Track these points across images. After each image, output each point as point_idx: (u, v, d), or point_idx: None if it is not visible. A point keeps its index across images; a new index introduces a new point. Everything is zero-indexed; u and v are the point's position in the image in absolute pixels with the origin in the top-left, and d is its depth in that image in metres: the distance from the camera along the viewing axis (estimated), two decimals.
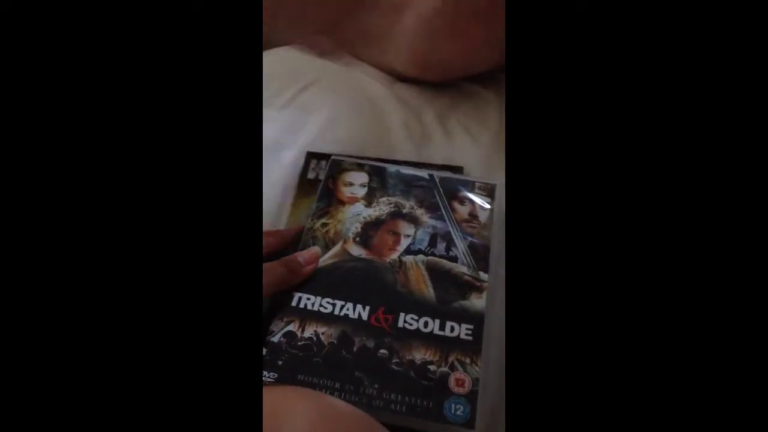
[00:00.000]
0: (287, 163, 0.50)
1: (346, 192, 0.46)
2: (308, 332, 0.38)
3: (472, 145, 0.53)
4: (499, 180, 0.47)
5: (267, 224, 0.46)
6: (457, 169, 0.50)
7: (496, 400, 0.37)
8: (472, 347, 0.37)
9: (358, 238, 0.43)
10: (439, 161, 0.51)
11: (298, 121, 0.54)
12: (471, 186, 0.46)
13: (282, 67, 0.60)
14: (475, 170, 0.50)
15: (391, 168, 0.47)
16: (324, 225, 0.44)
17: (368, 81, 0.58)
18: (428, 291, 0.40)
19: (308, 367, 0.36)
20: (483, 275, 0.41)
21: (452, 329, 0.38)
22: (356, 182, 0.46)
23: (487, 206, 0.45)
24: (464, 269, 0.41)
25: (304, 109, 0.55)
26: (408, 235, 0.43)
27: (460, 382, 0.36)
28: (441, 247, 0.42)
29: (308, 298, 0.39)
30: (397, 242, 0.43)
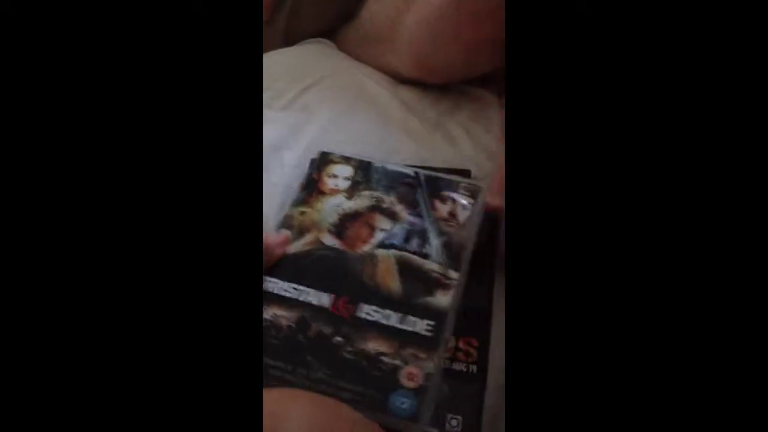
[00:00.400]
0: (289, 164, 0.51)
1: (329, 183, 0.46)
2: (267, 314, 0.38)
3: (474, 147, 0.52)
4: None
5: (267, 223, 0.46)
6: (465, 173, 0.49)
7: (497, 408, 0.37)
8: (430, 343, 0.37)
9: (333, 229, 0.43)
10: (440, 164, 0.50)
11: (300, 123, 0.55)
12: (455, 186, 0.46)
13: (283, 68, 0.61)
14: (477, 173, 0.49)
15: (378, 163, 0.48)
16: (302, 213, 0.44)
17: (370, 83, 0.58)
18: (395, 285, 0.40)
19: (263, 345, 0.36)
20: (453, 273, 0.40)
21: (413, 324, 0.37)
22: (341, 175, 0.47)
23: (468, 206, 0.44)
24: (435, 266, 0.41)
25: (306, 111, 0.56)
26: (384, 229, 0.43)
27: (411, 376, 0.35)
28: (415, 243, 0.42)
29: (273, 282, 0.40)
30: (371, 235, 0.43)
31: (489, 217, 0.44)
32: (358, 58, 0.62)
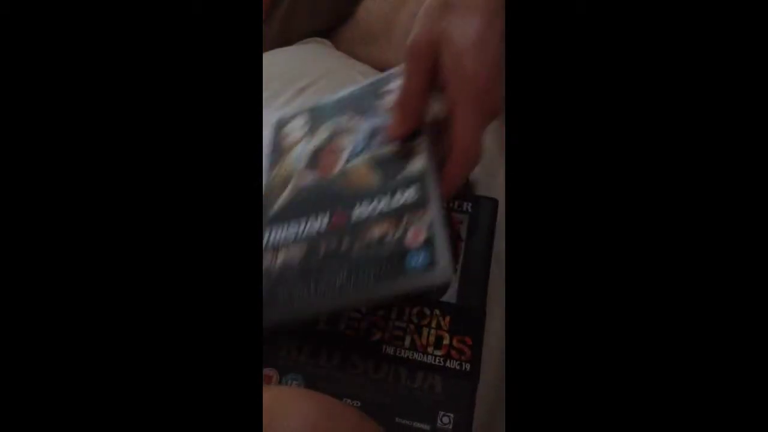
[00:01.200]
0: None
1: (289, 140, 0.48)
2: (280, 258, 0.40)
3: None
4: (500, 179, 0.47)
5: None
6: None
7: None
8: (420, 202, 0.37)
9: (308, 164, 0.45)
10: None
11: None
12: (394, 76, 0.47)
13: (280, 68, 0.62)
14: (475, 169, 0.49)
15: (323, 100, 0.49)
16: (277, 174, 0.46)
17: None
18: (375, 178, 0.41)
19: (284, 280, 0.38)
20: (416, 141, 0.41)
21: (401, 197, 0.38)
22: (297, 127, 0.49)
23: None
24: (400, 146, 0.41)
25: None
26: (349, 144, 0.44)
27: (415, 236, 0.36)
28: (378, 139, 0.43)
29: (276, 231, 0.42)
30: (340, 156, 0.44)
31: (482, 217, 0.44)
32: (356, 56, 0.63)
